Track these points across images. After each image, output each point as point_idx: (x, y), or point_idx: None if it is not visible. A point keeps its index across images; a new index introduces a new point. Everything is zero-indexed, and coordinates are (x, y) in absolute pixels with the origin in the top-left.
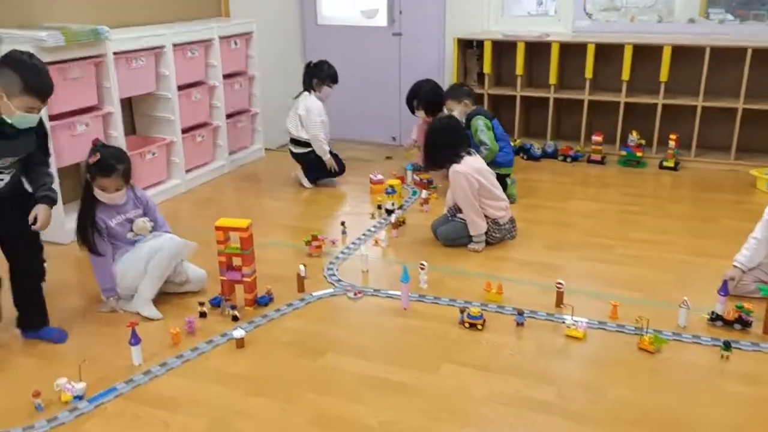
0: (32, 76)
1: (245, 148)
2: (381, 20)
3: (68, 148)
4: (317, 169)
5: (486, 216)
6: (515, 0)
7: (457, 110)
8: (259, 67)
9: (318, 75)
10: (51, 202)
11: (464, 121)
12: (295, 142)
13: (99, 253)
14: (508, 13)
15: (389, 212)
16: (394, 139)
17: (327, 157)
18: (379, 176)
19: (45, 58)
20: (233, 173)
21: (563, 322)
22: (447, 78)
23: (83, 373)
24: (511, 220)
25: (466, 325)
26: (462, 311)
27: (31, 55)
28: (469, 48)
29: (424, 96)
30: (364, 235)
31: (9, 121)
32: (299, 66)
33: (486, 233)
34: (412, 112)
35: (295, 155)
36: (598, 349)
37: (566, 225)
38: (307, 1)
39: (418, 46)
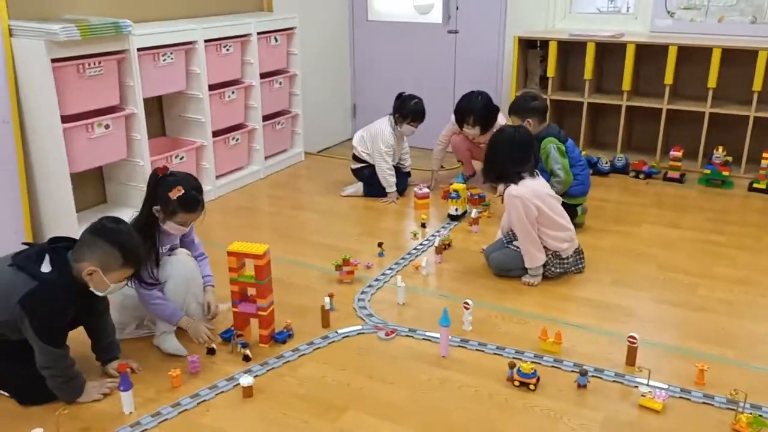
0: (132, 252)
1: (283, 152)
2: (436, 16)
3: (85, 152)
4: (372, 185)
5: (545, 247)
6: None
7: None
8: (302, 66)
9: (401, 110)
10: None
11: None
12: (355, 157)
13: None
14: (575, 9)
15: (453, 218)
16: None
17: (390, 191)
18: (425, 189)
19: (59, 53)
20: (269, 179)
21: (636, 387)
22: (505, 81)
23: (62, 425)
24: (578, 252)
25: (516, 383)
26: (512, 366)
27: (119, 221)
28: (531, 48)
29: (481, 111)
30: (403, 258)
31: (99, 294)
32: (346, 64)
33: (544, 266)
34: (461, 126)
35: (352, 171)
36: (680, 427)
37: (638, 255)
38: None
39: (475, 45)
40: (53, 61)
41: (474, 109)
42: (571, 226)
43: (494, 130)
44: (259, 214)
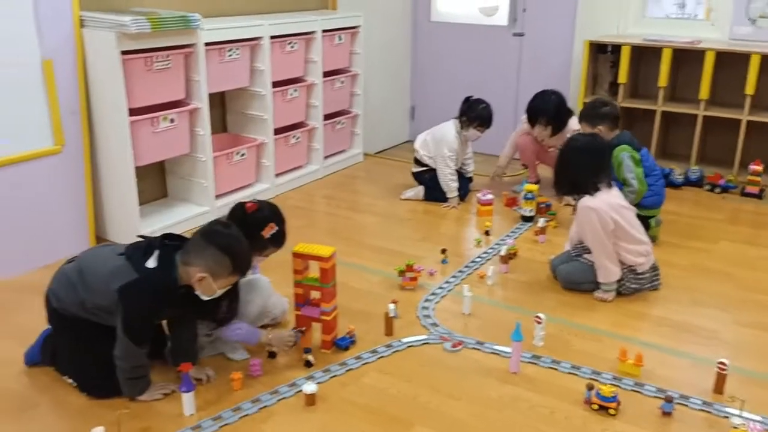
0: (242, 259)
1: (342, 153)
2: (501, 19)
3: (149, 146)
4: (432, 189)
5: (621, 261)
6: (654, 1)
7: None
8: (364, 65)
9: (469, 114)
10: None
11: None
12: (416, 160)
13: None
14: (648, 14)
15: (526, 219)
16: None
17: (451, 197)
18: (489, 196)
19: (128, 45)
20: (327, 180)
21: (726, 418)
22: (573, 86)
23: (123, 424)
24: (654, 268)
25: (595, 407)
26: (590, 387)
27: (229, 225)
28: (601, 53)
29: (554, 110)
30: (466, 267)
31: (204, 299)
32: (406, 65)
33: (619, 282)
34: (532, 125)
35: (413, 174)
36: None
37: (717, 274)
38: None
39: (542, 48)
40: (122, 53)
41: (547, 108)
42: (648, 240)
43: (567, 134)
44: (316, 214)
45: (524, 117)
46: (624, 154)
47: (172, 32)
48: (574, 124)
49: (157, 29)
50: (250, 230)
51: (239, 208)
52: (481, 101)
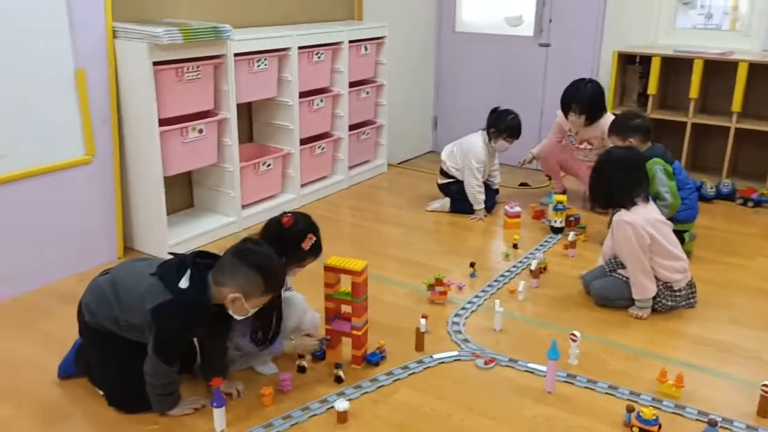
0: (275, 278)
1: (366, 163)
2: (526, 29)
3: (178, 156)
4: (458, 201)
5: (656, 278)
6: (682, 11)
7: None
8: (388, 75)
9: (497, 125)
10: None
11: None
12: (442, 172)
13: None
14: (678, 25)
15: (556, 231)
16: (519, 164)
17: (478, 209)
18: (517, 208)
19: (160, 56)
20: (351, 190)
21: None
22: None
23: None
24: (690, 285)
25: (635, 429)
26: (630, 410)
27: (260, 243)
28: (629, 64)
29: (589, 98)
30: (495, 281)
31: (238, 318)
32: (430, 75)
33: (654, 298)
34: (566, 115)
35: (439, 186)
36: None
37: (755, 291)
38: (446, 6)
39: (569, 59)
40: (154, 64)
41: (581, 96)
42: (685, 257)
43: (601, 128)
44: (342, 225)
45: (558, 114)
46: (657, 168)
47: (203, 43)
48: (609, 119)
49: (190, 40)
50: (289, 244)
51: (276, 223)
52: (510, 112)
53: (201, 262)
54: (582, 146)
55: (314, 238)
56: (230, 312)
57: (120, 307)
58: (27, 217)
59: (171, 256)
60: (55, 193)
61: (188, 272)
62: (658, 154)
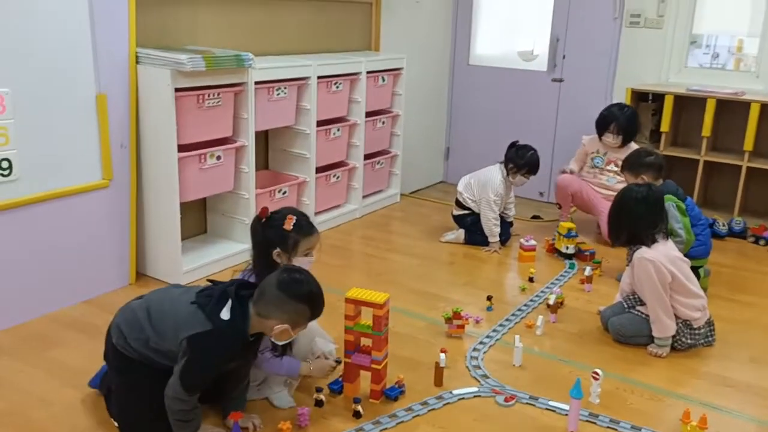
0: (319, 307)
1: (379, 192)
2: (540, 64)
3: (196, 182)
4: (473, 233)
5: (676, 316)
6: (689, 50)
7: None
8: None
9: (516, 160)
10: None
11: None
12: (458, 203)
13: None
14: (690, 64)
15: (567, 257)
16: (541, 194)
17: (493, 241)
18: (532, 241)
19: (182, 82)
20: (365, 219)
21: None
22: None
23: None
24: (709, 323)
25: None
26: None
27: (301, 271)
28: (642, 101)
29: (627, 119)
30: (513, 315)
31: (279, 344)
32: (443, 107)
33: (673, 336)
34: (600, 135)
35: (454, 217)
36: None
37: None
38: (461, 39)
39: (582, 95)
40: (175, 90)
41: (619, 117)
42: (704, 295)
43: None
44: (355, 255)
45: (584, 138)
46: (669, 204)
47: (224, 71)
48: (635, 146)
49: (212, 67)
50: (275, 233)
51: (256, 220)
52: (529, 147)
53: (242, 293)
54: (608, 167)
55: (294, 218)
56: (272, 339)
57: (153, 331)
58: (39, 242)
59: (210, 284)
60: (69, 218)
61: (229, 302)
62: (671, 191)
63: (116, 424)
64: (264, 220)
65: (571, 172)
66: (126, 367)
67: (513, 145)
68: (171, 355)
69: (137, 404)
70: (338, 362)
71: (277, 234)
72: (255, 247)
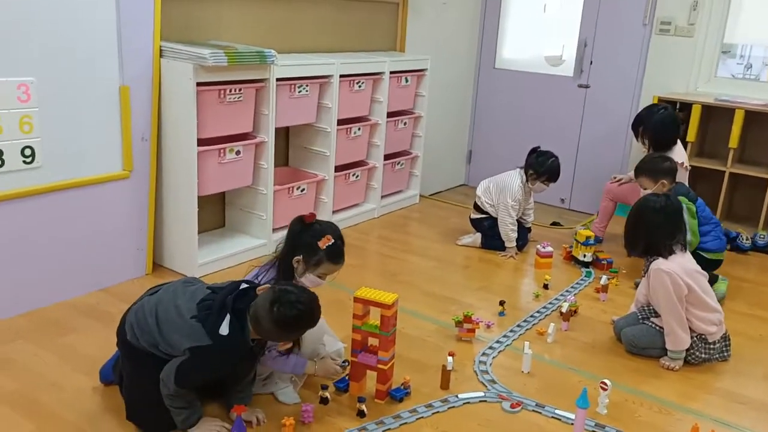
0: (314, 318)
1: (399, 193)
2: (566, 69)
3: (214, 176)
4: (490, 237)
5: (691, 329)
6: (721, 59)
7: (649, 190)
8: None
9: (536, 167)
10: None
11: None
12: (476, 207)
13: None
14: (720, 74)
15: (584, 265)
16: (563, 201)
17: (510, 246)
18: (549, 248)
19: (204, 77)
20: (382, 219)
21: None
22: (635, 141)
23: None
24: (725, 338)
25: None
26: None
27: (297, 293)
28: None
29: (657, 123)
30: (525, 321)
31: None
32: (467, 110)
33: (687, 350)
34: (636, 137)
35: (471, 221)
36: None
37: None
38: (487, 43)
39: (607, 101)
40: (197, 84)
41: (649, 120)
42: (720, 309)
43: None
44: (371, 255)
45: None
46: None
47: (247, 66)
48: (679, 154)
49: (234, 63)
50: (308, 241)
51: (298, 221)
52: (551, 154)
53: (240, 307)
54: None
55: (332, 240)
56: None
57: (162, 339)
58: (59, 229)
59: (209, 291)
60: (89, 207)
61: (228, 318)
62: (682, 192)
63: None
64: (306, 225)
65: (619, 181)
66: (137, 356)
67: (534, 151)
68: (173, 356)
69: (146, 389)
70: (345, 365)
71: (308, 244)
72: (286, 242)
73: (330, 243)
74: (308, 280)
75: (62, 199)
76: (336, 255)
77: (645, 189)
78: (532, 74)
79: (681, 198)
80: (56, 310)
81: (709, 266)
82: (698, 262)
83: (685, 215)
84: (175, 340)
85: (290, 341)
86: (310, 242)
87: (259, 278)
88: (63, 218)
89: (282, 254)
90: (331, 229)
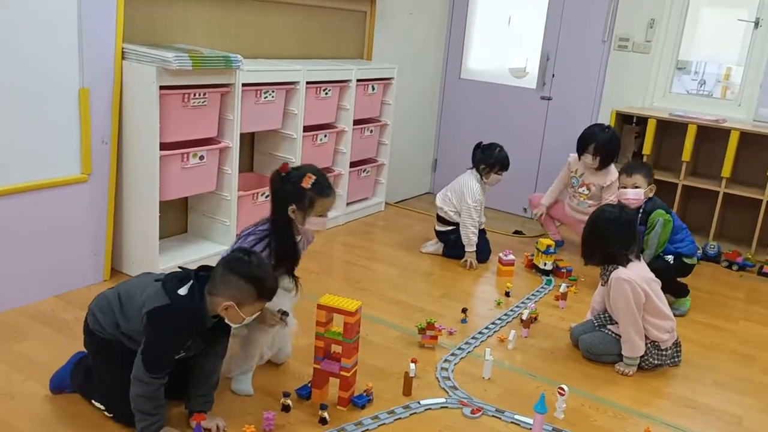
0: (267, 285)
1: (364, 200)
2: (530, 81)
3: (177, 181)
4: (455, 248)
5: (645, 336)
6: (676, 75)
7: (642, 191)
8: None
9: (486, 160)
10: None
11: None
12: (440, 219)
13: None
14: (675, 90)
15: (543, 272)
16: (525, 210)
17: (470, 251)
18: (511, 256)
19: (168, 81)
20: (348, 226)
21: None
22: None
23: None
24: (676, 344)
25: None
26: None
27: (250, 253)
28: (627, 123)
29: (605, 143)
30: (486, 328)
31: (234, 326)
32: (433, 119)
33: (641, 356)
34: (580, 154)
35: (437, 232)
36: None
37: (738, 356)
38: (453, 53)
39: (568, 113)
40: (160, 88)
41: (598, 138)
42: (673, 317)
43: (609, 178)
44: (334, 261)
45: (570, 156)
46: (660, 220)
47: (212, 71)
48: (614, 171)
49: (199, 67)
50: (292, 189)
51: (276, 175)
52: (496, 144)
53: (204, 275)
54: (581, 189)
55: (314, 177)
56: (226, 320)
57: (123, 315)
58: (13, 234)
59: (179, 269)
60: (46, 211)
61: (189, 282)
62: (663, 206)
63: (102, 407)
64: (283, 174)
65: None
66: (102, 348)
67: (479, 147)
68: (139, 338)
69: (116, 380)
70: (286, 314)
71: (294, 190)
72: (272, 200)
73: (313, 180)
74: (311, 223)
75: (17, 202)
76: (323, 188)
77: (636, 187)
78: (497, 85)
79: (659, 212)
80: (9, 317)
81: (687, 270)
82: (680, 269)
83: (660, 230)
84: (134, 311)
85: (240, 307)
86: (295, 187)
87: (249, 240)
88: (17, 222)
89: (273, 212)
90: (309, 168)
